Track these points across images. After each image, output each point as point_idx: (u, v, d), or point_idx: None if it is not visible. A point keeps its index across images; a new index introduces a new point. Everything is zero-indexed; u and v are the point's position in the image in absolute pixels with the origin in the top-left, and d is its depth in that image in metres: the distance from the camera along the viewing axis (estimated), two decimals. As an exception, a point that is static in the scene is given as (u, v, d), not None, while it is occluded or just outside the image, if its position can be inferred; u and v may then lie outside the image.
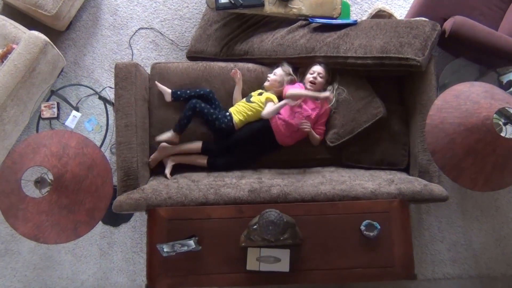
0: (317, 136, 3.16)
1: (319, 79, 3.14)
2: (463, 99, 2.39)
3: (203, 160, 3.19)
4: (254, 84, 3.30)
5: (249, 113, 3.17)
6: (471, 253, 3.53)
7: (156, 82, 3.24)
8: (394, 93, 3.32)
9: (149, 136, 3.22)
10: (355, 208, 2.82)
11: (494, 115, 2.21)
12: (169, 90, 3.21)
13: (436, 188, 2.89)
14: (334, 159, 3.24)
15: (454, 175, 2.43)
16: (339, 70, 3.19)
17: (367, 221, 2.77)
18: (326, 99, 3.11)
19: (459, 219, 3.57)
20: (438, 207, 3.58)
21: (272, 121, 3.15)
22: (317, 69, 3.16)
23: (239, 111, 3.18)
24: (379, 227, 2.75)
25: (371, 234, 2.75)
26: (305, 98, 3.14)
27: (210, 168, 3.19)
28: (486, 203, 3.60)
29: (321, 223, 2.80)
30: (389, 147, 3.16)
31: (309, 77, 3.15)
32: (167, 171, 3.15)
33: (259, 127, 3.19)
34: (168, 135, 3.17)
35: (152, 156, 3.19)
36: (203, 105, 3.15)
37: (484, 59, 3.41)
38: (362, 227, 2.77)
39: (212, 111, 3.16)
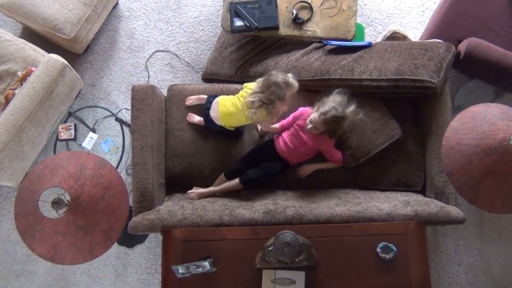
0: (333, 164, 3.17)
1: None
2: (479, 121, 2.38)
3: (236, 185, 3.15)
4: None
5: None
6: (489, 276, 3.47)
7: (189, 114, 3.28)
8: (409, 115, 3.30)
9: (165, 157, 3.24)
10: (371, 230, 2.80)
11: (511, 137, 2.20)
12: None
13: (453, 210, 2.86)
14: (349, 180, 3.23)
15: (471, 197, 2.40)
16: (354, 92, 3.18)
17: (383, 243, 2.74)
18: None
19: (477, 241, 3.52)
20: (455, 230, 3.54)
21: (275, 140, 3.18)
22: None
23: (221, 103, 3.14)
24: (395, 249, 2.72)
25: (387, 256, 2.72)
26: (304, 125, 3.10)
27: (245, 185, 3.13)
28: (504, 226, 3.55)
29: (337, 245, 2.78)
30: (405, 168, 3.15)
31: None
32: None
33: (264, 144, 3.24)
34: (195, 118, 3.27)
35: (194, 196, 3.17)
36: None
37: (499, 80, 3.40)
38: (378, 249, 2.74)
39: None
